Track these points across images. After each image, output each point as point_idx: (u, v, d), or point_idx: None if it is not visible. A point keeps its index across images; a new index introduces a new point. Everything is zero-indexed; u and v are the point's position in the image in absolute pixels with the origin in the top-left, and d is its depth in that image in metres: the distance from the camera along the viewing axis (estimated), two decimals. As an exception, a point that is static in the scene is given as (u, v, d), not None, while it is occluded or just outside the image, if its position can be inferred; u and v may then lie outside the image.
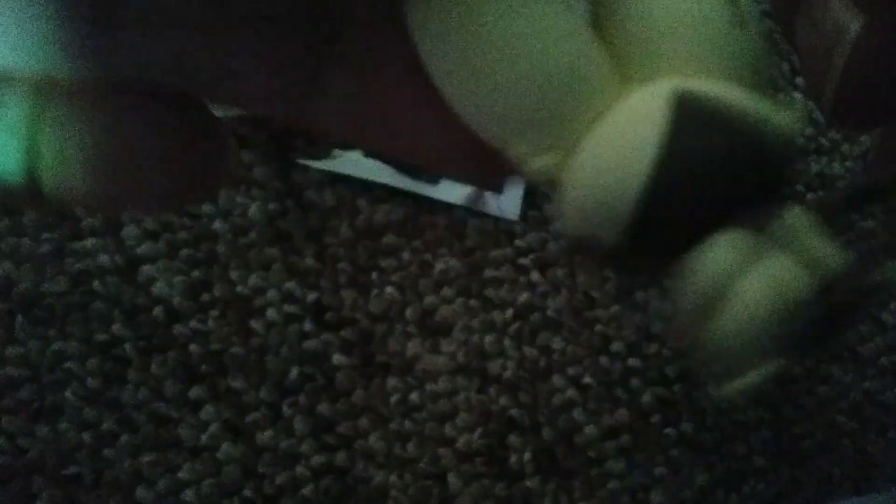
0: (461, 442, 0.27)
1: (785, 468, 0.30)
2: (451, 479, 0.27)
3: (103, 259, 0.27)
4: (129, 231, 0.27)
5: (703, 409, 0.30)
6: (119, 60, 0.08)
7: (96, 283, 0.26)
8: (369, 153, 0.29)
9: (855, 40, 0.11)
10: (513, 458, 0.27)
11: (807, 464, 0.30)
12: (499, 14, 0.08)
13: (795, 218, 0.09)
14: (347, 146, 0.29)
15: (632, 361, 0.29)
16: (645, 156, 0.08)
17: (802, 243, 0.09)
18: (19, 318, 0.26)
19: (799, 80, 0.35)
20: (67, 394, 0.25)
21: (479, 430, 0.27)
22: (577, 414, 0.28)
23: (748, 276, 0.09)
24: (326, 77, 0.09)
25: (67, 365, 0.26)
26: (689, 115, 0.08)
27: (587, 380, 0.29)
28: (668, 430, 0.29)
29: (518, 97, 0.08)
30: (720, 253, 0.09)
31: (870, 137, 0.33)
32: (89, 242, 0.27)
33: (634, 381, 0.29)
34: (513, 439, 0.28)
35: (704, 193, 0.09)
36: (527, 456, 0.27)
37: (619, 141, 0.09)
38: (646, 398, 0.29)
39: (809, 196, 0.34)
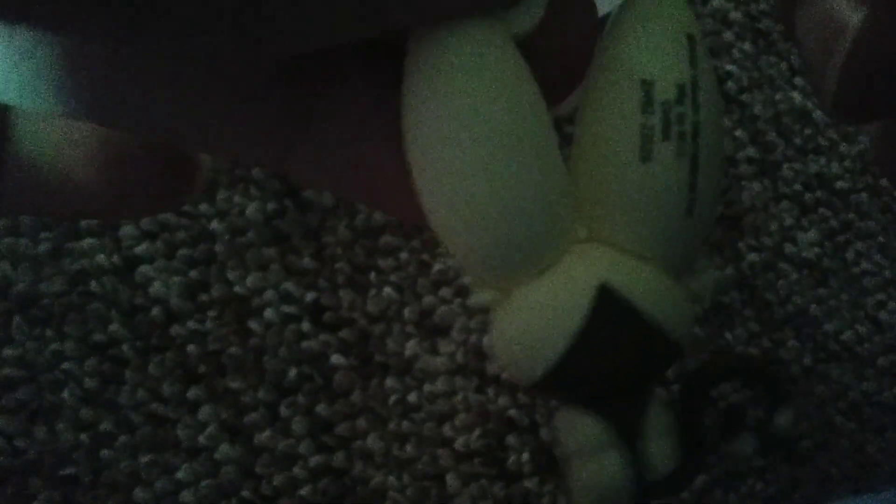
0: (459, 442, 0.27)
1: (783, 468, 0.30)
2: (450, 479, 0.27)
3: (101, 259, 0.27)
4: (127, 231, 0.27)
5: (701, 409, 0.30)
6: (119, 118, 0.09)
7: (94, 284, 0.26)
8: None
9: (856, 33, 0.11)
10: (511, 459, 0.27)
11: (805, 463, 0.30)
12: (491, 129, 0.09)
13: (653, 418, 0.10)
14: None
15: (630, 361, 0.29)
16: (565, 333, 0.09)
17: (646, 445, 0.10)
18: (17, 318, 0.26)
19: (797, 80, 0.35)
20: (65, 394, 0.25)
21: (477, 431, 0.27)
22: (576, 414, 0.28)
23: (587, 462, 0.10)
24: (303, 140, 0.10)
25: (65, 365, 0.26)
26: (606, 308, 0.09)
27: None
28: (667, 431, 0.29)
29: (486, 231, 0.09)
30: (578, 431, 0.10)
31: (868, 137, 0.33)
32: (87, 243, 0.27)
33: (633, 382, 0.29)
34: (511, 439, 0.28)
35: (602, 372, 0.10)
36: (525, 456, 0.27)
37: (548, 311, 0.10)
38: (644, 398, 0.29)
39: (808, 196, 0.34)
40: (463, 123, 0.09)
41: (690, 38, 0.09)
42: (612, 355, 0.10)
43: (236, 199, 0.28)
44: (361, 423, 0.27)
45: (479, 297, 0.10)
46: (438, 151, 0.09)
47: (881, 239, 0.34)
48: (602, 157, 0.10)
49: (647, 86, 0.09)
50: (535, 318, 0.10)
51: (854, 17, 0.11)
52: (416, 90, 0.09)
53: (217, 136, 0.10)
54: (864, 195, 0.35)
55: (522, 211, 0.09)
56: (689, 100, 0.09)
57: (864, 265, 0.34)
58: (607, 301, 0.09)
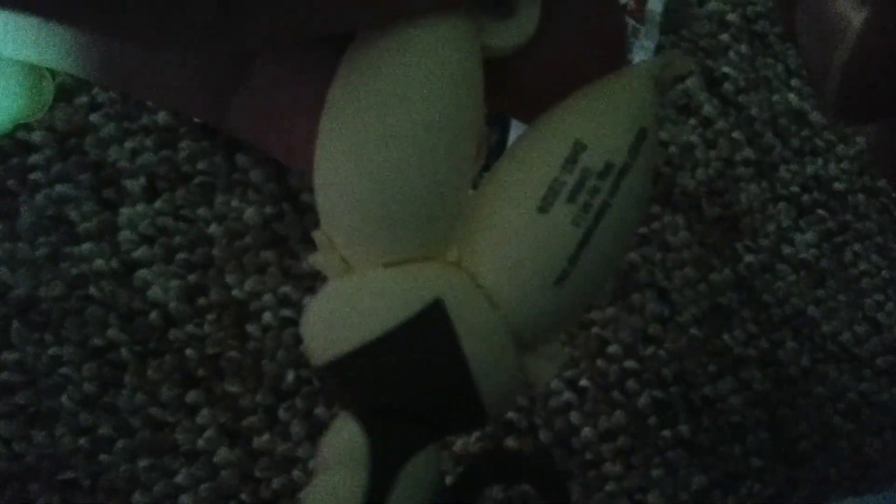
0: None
1: (782, 469, 0.30)
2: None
3: (99, 264, 0.27)
4: (125, 235, 0.27)
5: (700, 410, 0.30)
6: (89, 66, 0.10)
7: (92, 288, 0.26)
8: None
9: (859, 32, 0.11)
10: (510, 461, 0.27)
11: (804, 464, 0.30)
12: (406, 118, 0.09)
13: (417, 468, 0.09)
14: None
15: (628, 364, 0.29)
16: (373, 327, 0.09)
17: (392, 490, 0.09)
18: (15, 323, 0.26)
19: (794, 82, 0.35)
20: (63, 399, 0.25)
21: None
22: (575, 416, 0.28)
23: (331, 473, 0.09)
24: (237, 91, 0.10)
25: (63, 370, 0.26)
26: (428, 326, 0.09)
27: (584, 382, 0.29)
28: (665, 433, 0.29)
29: (362, 203, 0.09)
30: (340, 437, 0.09)
31: (865, 138, 0.33)
32: (85, 247, 0.27)
33: (631, 384, 0.29)
34: (510, 442, 0.28)
35: (392, 385, 0.09)
36: (524, 458, 0.27)
37: (371, 300, 0.09)
38: (643, 400, 0.29)
39: (805, 198, 0.34)
40: (382, 102, 0.09)
41: (642, 131, 0.09)
42: (408, 374, 0.09)
43: (234, 202, 0.28)
44: (360, 426, 0.27)
45: (322, 260, 0.10)
46: (350, 119, 0.09)
47: (879, 240, 0.34)
48: (503, 190, 0.09)
49: (578, 147, 0.09)
50: (356, 301, 0.09)
51: (856, 16, 0.11)
52: (352, 61, 0.09)
53: (158, 84, 0.10)
54: (861, 196, 0.35)
55: (407, 200, 0.09)
56: (611, 181, 0.09)
57: (862, 266, 0.34)
58: (433, 320, 0.09)
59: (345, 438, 0.09)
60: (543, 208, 0.09)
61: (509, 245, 0.09)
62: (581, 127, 0.09)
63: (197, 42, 0.08)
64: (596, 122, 0.09)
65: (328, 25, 0.08)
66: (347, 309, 0.09)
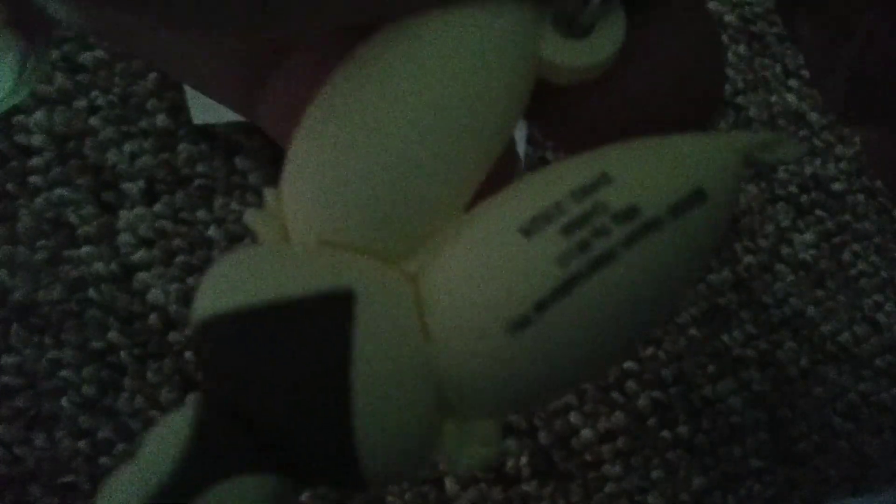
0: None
1: (781, 469, 0.30)
2: (448, 483, 0.27)
3: (99, 267, 0.27)
4: (124, 238, 0.27)
5: (700, 411, 0.30)
6: (114, 40, 0.09)
7: (92, 291, 0.26)
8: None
9: (868, 33, 0.11)
10: (510, 463, 0.27)
11: (803, 465, 0.30)
12: (411, 110, 0.07)
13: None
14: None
15: (627, 364, 0.29)
16: (260, 291, 0.07)
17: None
18: (14, 326, 0.26)
19: (791, 83, 0.35)
20: (63, 402, 0.25)
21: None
22: (574, 417, 0.28)
23: (148, 448, 0.07)
24: (271, 81, 0.09)
25: (63, 373, 0.26)
26: (325, 321, 0.07)
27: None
28: (665, 433, 0.29)
29: (338, 181, 0.07)
30: (171, 418, 0.07)
31: (860, 141, 0.33)
32: (84, 250, 0.27)
33: (630, 385, 0.29)
34: (510, 443, 0.28)
35: (248, 372, 0.07)
36: (524, 460, 0.27)
37: (274, 270, 0.07)
38: (642, 401, 0.29)
39: (804, 198, 0.34)
40: (390, 82, 0.07)
41: (700, 193, 0.07)
42: (271, 368, 0.07)
43: (233, 205, 0.28)
44: (360, 428, 0.27)
45: (260, 221, 0.08)
46: (353, 89, 0.08)
47: (878, 240, 0.34)
48: (495, 202, 0.08)
49: (604, 179, 0.07)
50: (259, 261, 0.08)
51: (865, 17, 0.11)
52: (374, 40, 0.08)
53: (188, 65, 0.09)
54: (860, 196, 0.35)
55: (375, 188, 0.07)
56: (629, 229, 0.07)
57: (861, 266, 0.34)
58: (331, 313, 0.07)
59: (168, 425, 0.07)
60: (528, 231, 0.07)
61: (470, 264, 0.07)
62: (619, 161, 0.07)
63: (235, 26, 0.07)
64: (640, 162, 0.07)
65: (373, 9, 0.07)
66: (246, 266, 0.08)
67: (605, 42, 0.07)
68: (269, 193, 0.08)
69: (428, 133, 0.07)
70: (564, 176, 0.07)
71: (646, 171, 0.07)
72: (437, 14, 0.07)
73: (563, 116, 0.08)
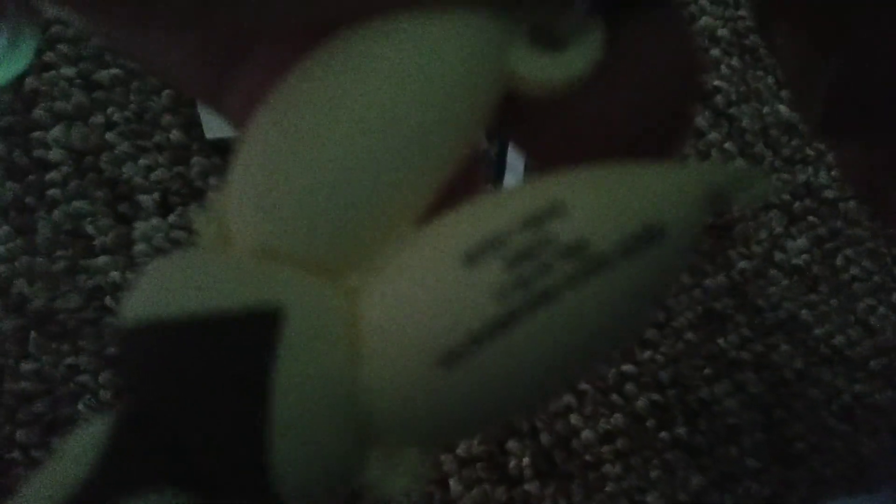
0: (461, 448, 0.28)
1: (778, 469, 0.31)
2: (453, 484, 0.27)
3: (115, 276, 0.27)
4: (140, 249, 0.28)
5: (697, 413, 0.30)
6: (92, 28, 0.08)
7: (108, 300, 0.27)
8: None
9: (851, 48, 0.11)
10: (512, 463, 0.28)
11: (799, 465, 0.31)
12: (359, 119, 0.07)
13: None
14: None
15: (626, 367, 0.30)
16: (186, 303, 0.07)
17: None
18: (33, 333, 0.26)
19: (784, 94, 0.36)
20: (80, 406, 0.26)
21: (478, 436, 0.28)
22: (575, 419, 0.29)
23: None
24: (237, 72, 0.09)
25: (80, 378, 0.26)
26: (254, 328, 0.07)
27: (583, 386, 0.29)
28: (663, 434, 0.30)
29: (281, 190, 0.07)
30: (82, 432, 0.07)
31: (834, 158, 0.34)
32: (101, 260, 0.28)
33: (629, 387, 0.30)
34: (512, 444, 0.28)
35: (168, 389, 0.07)
36: (526, 460, 0.28)
37: (207, 277, 0.07)
38: (641, 403, 0.30)
39: (796, 205, 0.35)
40: (342, 86, 0.07)
41: (656, 230, 0.07)
42: (191, 382, 0.07)
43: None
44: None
45: (203, 224, 0.08)
46: (304, 91, 0.07)
47: (870, 245, 0.35)
48: (443, 223, 0.07)
49: (557, 208, 0.07)
50: (190, 270, 0.07)
51: (849, 31, 0.11)
52: (333, 44, 0.07)
53: (155, 54, 0.09)
54: (851, 203, 0.36)
55: (315, 194, 0.07)
56: (575, 266, 0.06)
57: (854, 271, 0.34)
58: (257, 330, 0.07)
59: (88, 431, 0.07)
60: (471, 258, 0.07)
61: (408, 288, 0.07)
62: (576, 189, 0.07)
63: (180, 20, 0.07)
64: (598, 191, 0.07)
65: (321, 13, 0.07)
66: (175, 275, 0.07)
67: (579, 57, 0.07)
68: (213, 196, 0.08)
69: (375, 143, 0.07)
70: (518, 201, 0.07)
71: (602, 202, 0.07)
72: (400, 19, 0.07)
73: (535, 130, 0.08)
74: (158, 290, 0.07)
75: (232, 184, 0.08)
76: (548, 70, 0.07)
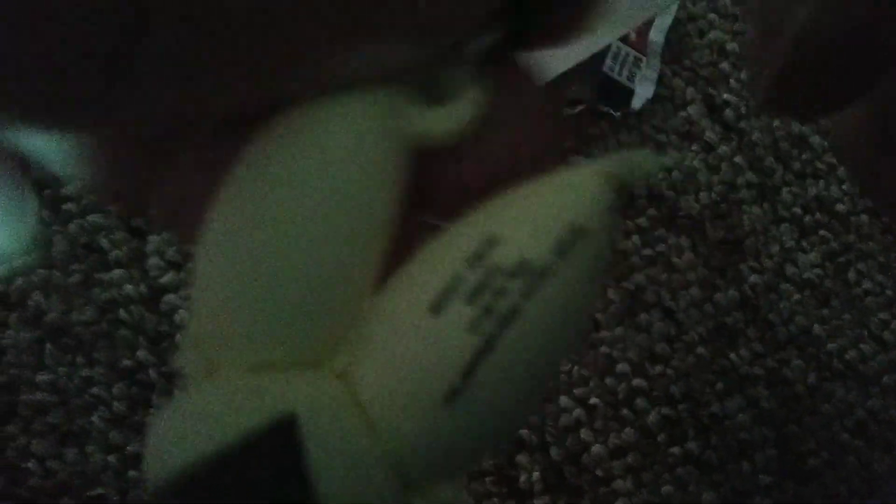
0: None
1: (790, 485, 0.30)
2: (463, 498, 0.27)
3: (129, 289, 0.28)
4: (153, 262, 0.28)
5: (708, 428, 0.30)
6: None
7: (122, 312, 0.28)
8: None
9: (799, 27, 0.11)
10: (522, 478, 0.28)
11: (812, 481, 0.31)
12: (296, 216, 0.08)
13: None
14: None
15: (637, 382, 0.30)
16: (209, 442, 0.07)
17: None
18: (48, 346, 0.27)
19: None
20: (94, 418, 0.26)
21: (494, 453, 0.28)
22: (585, 434, 0.29)
23: None
24: (161, 180, 0.09)
25: (94, 390, 0.27)
26: (276, 439, 0.07)
27: (594, 400, 0.29)
28: (674, 449, 0.30)
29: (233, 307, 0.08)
30: None
31: (845, 168, 0.33)
32: (116, 273, 0.28)
33: (640, 401, 0.30)
34: (522, 459, 0.28)
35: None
36: (535, 475, 0.28)
37: (217, 410, 0.08)
38: (651, 418, 0.30)
39: (808, 219, 0.34)
40: (270, 189, 0.08)
41: (578, 229, 0.08)
42: (254, 497, 0.07)
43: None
44: (376, 443, 0.27)
45: (184, 361, 0.08)
46: (237, 205, 0.08)
47: (882, 259, 0.35)
48: (401, 288, 0.08)
49: (491, 242, 0.08)
50: (198, 412, 0.08)
51: (798, 12, 0.11)
52: (255, 142, 0.08)
53: (87, 154, 0.09)
54: (864, 217, 0.35)
55: (282, 300, 0.08)
56: (524, 282, 0.07)
57: (866, 285, 0.34)
58: (279, 440, 0.07)
59: None
60: (436, 309, 0.08)
61: (393, 352, 0.08)
62: (499, 221, 0.08)
63: (85, 119, 0.07)
64: (516, 215, 0.08)
65: (237, 102, 0.07)
66: (188, 421, 0.08)
67: (464, 106, 0.08)
68: (183, 334, 0.08)
69: (333, 234, 0.08)
70: (455, 245, 0.08)
71: (524, 222, 0.08)
72: (312, 110, 0.08)
73: (434, 180, 0.09)
74: (177, 439, 0.08)
75: (202, 317, 0.08)
76: (440, 121, 0.08)
